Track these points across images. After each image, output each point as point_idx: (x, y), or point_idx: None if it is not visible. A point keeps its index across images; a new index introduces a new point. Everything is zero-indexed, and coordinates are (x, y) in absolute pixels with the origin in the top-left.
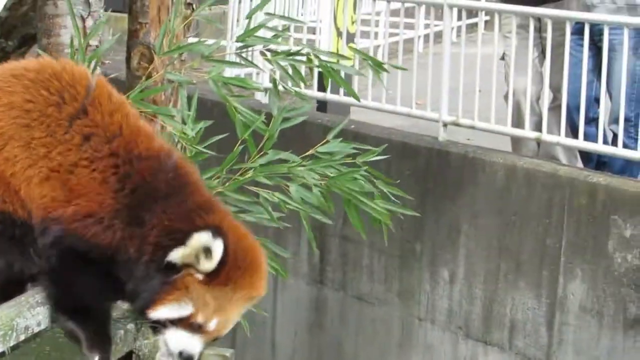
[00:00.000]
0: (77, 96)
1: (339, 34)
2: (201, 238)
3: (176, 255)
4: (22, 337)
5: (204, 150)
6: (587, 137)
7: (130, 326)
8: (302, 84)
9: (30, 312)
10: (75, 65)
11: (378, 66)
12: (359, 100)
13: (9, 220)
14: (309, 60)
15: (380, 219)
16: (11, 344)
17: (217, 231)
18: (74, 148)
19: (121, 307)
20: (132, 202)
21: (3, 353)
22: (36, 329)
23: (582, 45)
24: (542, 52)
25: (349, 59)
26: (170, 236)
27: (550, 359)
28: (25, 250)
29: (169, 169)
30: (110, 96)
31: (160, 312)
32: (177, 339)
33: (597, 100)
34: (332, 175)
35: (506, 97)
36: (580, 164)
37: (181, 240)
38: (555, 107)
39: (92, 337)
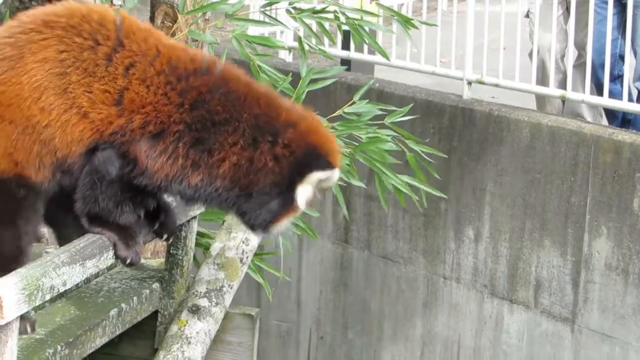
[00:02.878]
0: (110, 34)
1: None
2: (319, 176)
3: (301, 199)
4: (48, 297)
5: None
6: (612, 95)
7: (156, 285)
8: (325, 41)
9: (55, 272)
10: (97, 5)
11: (407, 22)
12: (387, 59)
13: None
14: (336, 18)
15: (405, 192)
16: (37, 304)
17: (326, 159)
18: (120, 76)
19: (147, 266)
20: (194, 120)
21: (29, 312)
22: (62, 289)
23: (606, 3)
24: (567, 10)
25: (374, 15)
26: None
27: (576, 317)
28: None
29: (219, 83)
30: (137, 25)
31: (280, 226)
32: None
33: (622, 58)
34: (360, 138)
35: (531, 55)
36: (605, 122)
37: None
38: (579, 64)
39: (123, 240)
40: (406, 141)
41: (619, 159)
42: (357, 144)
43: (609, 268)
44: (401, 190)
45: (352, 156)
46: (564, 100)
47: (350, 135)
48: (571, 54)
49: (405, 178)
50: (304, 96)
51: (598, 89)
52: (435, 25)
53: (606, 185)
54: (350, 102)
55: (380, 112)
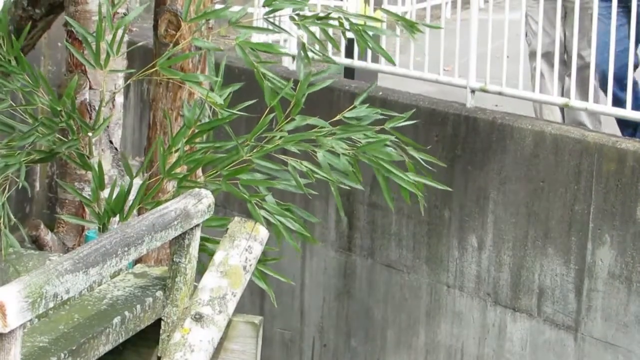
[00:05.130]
0: None
1: (367, 0)
2: None
3: None
4: (51, 305)
5: (234, 111)
6: (621, 104)
7: (159, 293)
8: (329, 48)
9: (59, 280)
10: None
11: (411, 27)
12: (393, 63)
13: None
14: (341, 25)
15: (411, 190)
16: (40, 312)
17: None
18: None
19: (151, 274)
20: None
21: (32, 320)
22: (65, 297)
23: (611, 13)
24: (565, 16)
25: (378, 20)
26: None
27: (579, 325)
28: None
29: None
30: None
31: None
32: None
33: (635, 67)
34: (361, 142)
35: (531, 57)
36: (602, 129)
37: None
38: (577, 71)
39: None
40: (406, 147)
41: (623, 167)
42: (359, 145)
43: (612, 276)
44: (406, 189)
45: (356, 157)
46: (562, 108)
47: (350, 139)
48: (574, 62)
49: (411, 175)
50: (304, 100)
51: (616, 100)
52: (440, 27)
53: (609, 193)
54: (351, 107)
55: (381, 117)
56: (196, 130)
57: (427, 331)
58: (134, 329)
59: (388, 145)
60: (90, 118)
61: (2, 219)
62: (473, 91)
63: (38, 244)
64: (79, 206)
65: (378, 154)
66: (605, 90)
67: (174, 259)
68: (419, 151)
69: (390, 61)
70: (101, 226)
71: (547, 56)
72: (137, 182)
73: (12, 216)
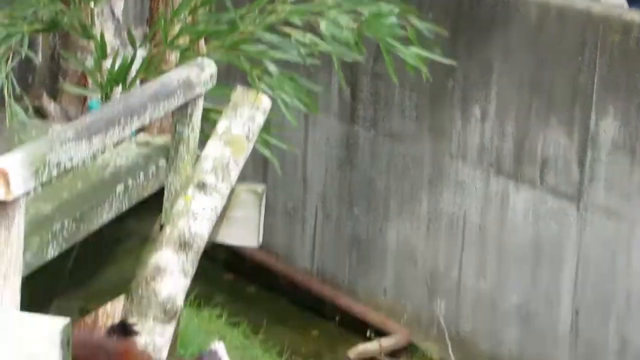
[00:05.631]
0: None
1: None
2: None
3: None
4: (54, 173)
5: None
6: None
7: (162, 162)
8: None
9: (62, 148)
10: None
11: None
12: None
13: None
14: None
15: (414, 65)
16: (43, 180)
17: None
18: None
19: (153, 143)
20: None
21: (35, 189)
22: (68, 165)
23: None
24: None
25: None
26: None
27: (582, 195)
28: None
29: None
30: None
31: None
32: None
33: None
34: (364, 15)
35: None
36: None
37: None
38: None
39: None
40: (408, 17)
41: (628, 39)
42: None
43: (615, 146)
44: (412, 66)
45: (360, 31)
46: None
47: (355, 11)
48: None
49: (415, 49)
50: None
51: None
52: None
53: (614, 65)
54: None
55: None
56: (199, 2)
57: (429, 200)
58: (137, 197)
59: (392, 14)
60: None
61: (6, 89)
62: None
63: (41, 114)
64: (82, 77)
65: (382, 28)
66: None
67: (177, 129)
68: (422, 21)
69: None
70: (104, 95)
71: None
72: (140, 52)
73: (16, 86)
